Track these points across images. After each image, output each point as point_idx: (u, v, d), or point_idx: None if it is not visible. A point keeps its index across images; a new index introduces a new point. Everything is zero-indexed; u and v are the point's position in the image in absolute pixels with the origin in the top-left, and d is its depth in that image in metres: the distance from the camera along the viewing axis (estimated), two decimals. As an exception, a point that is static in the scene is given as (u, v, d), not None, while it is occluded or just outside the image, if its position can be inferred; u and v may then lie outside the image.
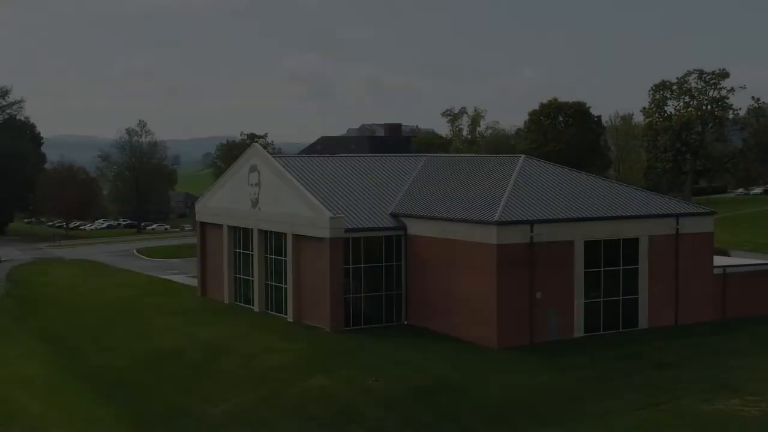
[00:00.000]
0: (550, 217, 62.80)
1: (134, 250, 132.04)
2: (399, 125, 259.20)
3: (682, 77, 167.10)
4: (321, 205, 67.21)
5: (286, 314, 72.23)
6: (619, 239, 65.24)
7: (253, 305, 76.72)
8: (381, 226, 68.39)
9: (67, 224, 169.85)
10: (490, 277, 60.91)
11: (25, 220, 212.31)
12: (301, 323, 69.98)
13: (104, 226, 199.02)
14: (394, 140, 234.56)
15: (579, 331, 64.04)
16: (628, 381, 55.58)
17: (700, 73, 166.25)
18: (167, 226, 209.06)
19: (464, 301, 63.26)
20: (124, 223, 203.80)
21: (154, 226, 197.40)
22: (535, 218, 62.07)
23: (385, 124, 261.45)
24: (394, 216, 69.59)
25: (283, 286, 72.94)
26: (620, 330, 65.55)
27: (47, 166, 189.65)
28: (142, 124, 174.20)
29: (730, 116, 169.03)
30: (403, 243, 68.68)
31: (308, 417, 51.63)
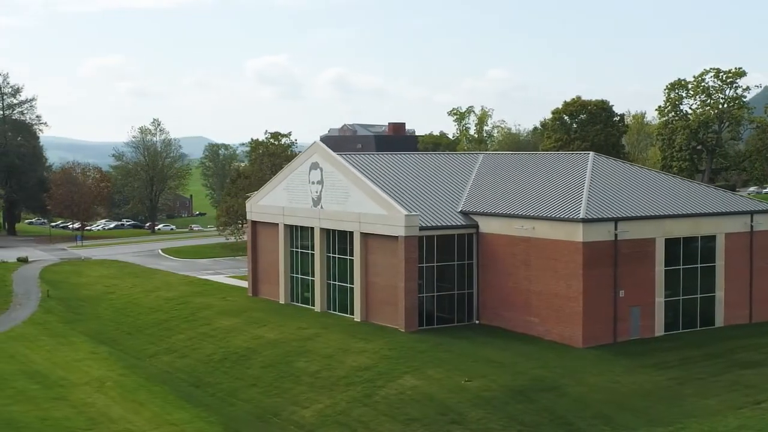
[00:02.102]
0: (633, 215, 61.99)
1: (159, 251, 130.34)
2: (403, 124, 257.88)
3: (698, 76, 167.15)
4: (395, 203, 66.15)
5: (351, 314, 71.11)
6: (697, 236, 64.60)
7: (312, 305, 75.54)
8: (454, 224, 67.35)
9: (82, 225, 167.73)
10: (575, 276, 60.05)
11: (26, 221, 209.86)
12: (370, 323, 68.86)
13: (111, 226, 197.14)
14: (399, 139, 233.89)
15: (659, 330, 63.33)
16: (720, 380, 54.80)
17: (717, 72, 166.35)
18: (173, 226, 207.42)
19: (544, 300, 62.38)
20: (128, 223, 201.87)
21: (160, 226, 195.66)
22: (618, 215, 61.23)
23: (389, 123, 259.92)
24: (465, 214, 68.60)
25: (347, 285, 71.83)
26: (697, 328, 64.89)
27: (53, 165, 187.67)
28: (157, 123, 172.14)
29: (745, 115, 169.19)
30: (474, 241, 67.72)
31: (408, 418, 50.60)
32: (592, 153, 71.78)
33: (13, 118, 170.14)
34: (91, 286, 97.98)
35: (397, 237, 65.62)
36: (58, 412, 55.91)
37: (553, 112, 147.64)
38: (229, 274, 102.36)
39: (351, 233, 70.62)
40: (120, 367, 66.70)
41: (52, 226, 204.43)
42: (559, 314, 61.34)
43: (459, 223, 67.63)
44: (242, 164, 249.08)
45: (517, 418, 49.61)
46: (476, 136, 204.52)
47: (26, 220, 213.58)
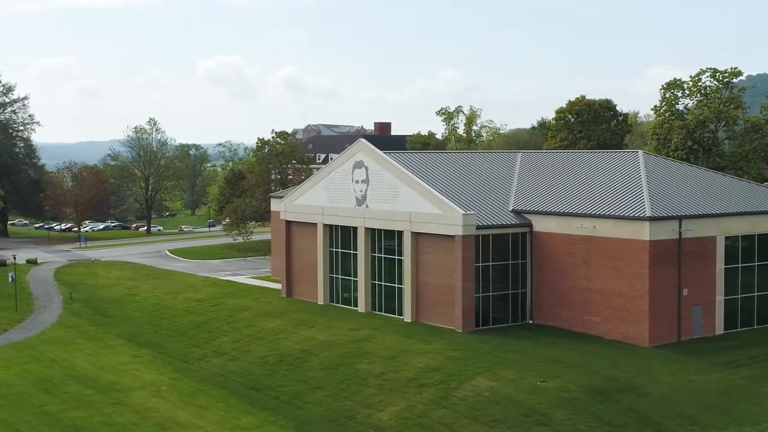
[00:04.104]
0: (696, 213, 61.67)
1: (167, 252, 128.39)
2: (389, 124, 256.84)
3: (695, 75, 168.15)
4: (451, 202, 65.30)
5: (400, 315, 70.15)
6: (754, 234, 64.42)
7: (355, 306, 74.45)
8: (507, 222, 66.65)
9: (71, 227, 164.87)
10: (640, 275, 59.58)
11: (8, 222, 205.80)
12: (422, 324, 67.93)
13: (100, 227, 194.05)
14: (387, 139, 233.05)
15: (719, 328, 63.08)
16: (795, 378, 54.70)
17: (714, 72, 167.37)
18: (161, 227, 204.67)
19: (606, 299, 61.86)
20: (113, 225, 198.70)
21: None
22: (682, 214, 60.86)
23: (375, 123, 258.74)
24: (517, 213, 67.92)
25: (395, 285, 70.87)
26: (755, 326, 64.73)
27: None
28: (153, 122, 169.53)
29: (740, 114, 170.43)
30: (528, 240, 67.06)
31: (491, 420, 49.80)
32: (640, 152, 71.49)
33: (5, 117, 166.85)
34: (111, 287, 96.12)
35: (453, 236, 64.76)
36: (121, 418, 54.45)
37: (557, 112, 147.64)
38: (250, 275, 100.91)
39: (400, 233, 69.63)
40: (169, 370, 65.22)
41: (36, 228, 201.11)
42: (622, 313, 60.84)
43: (513, 222, 66.92)
44: (226, 165, 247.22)
45: (603, 419, 48.99)
46: (465, 135, 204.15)
47: (8, 222, 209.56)
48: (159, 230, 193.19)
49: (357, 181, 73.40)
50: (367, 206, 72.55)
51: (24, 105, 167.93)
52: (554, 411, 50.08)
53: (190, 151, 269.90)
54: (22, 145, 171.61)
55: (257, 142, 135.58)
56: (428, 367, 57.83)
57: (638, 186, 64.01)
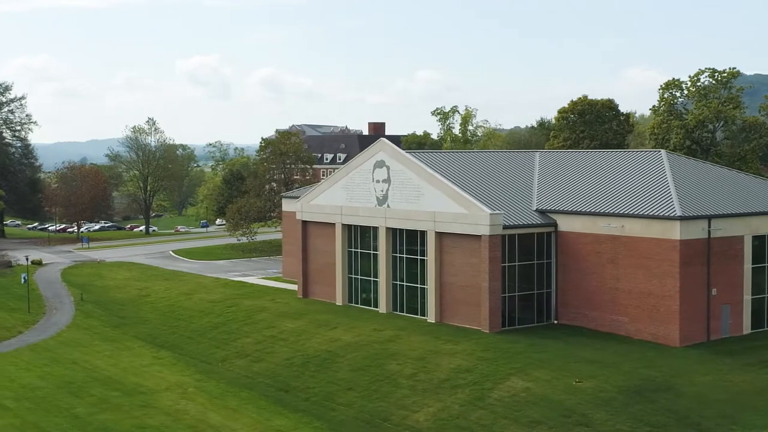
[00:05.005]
0: (725, 212, 61.55)
1: (171, 252, 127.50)
2: (383, 124, 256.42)
3: (694, 75, 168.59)
4: (477, 202, 64.96)
5: (423, 315, 69.77)
6: (781, 234, 64.40)
7: (375, 307, 74.01)
8: (533, 222, 66.39)
9: (63, 228, 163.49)
10: (670, 274, 59.41)
11: (6, 223, 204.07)
12: (447, 324, 67.56)
13: (96, 228, 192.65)
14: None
15: (747, 328, 63.04)
16: (828, 378, 54.63)
17: (713, 72, 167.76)
18: (155, 228, 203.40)
19: (635, 299, 61.64)
20: (107, 225, 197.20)
21: (141, 228, 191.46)
22: (711, 213, 60.75)
23: (369, 123, 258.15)
24: (541, 212, 67.66)
25: (417, 286, 70.48)
26: (781, 326, 64.76)
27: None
28: (152, 122, 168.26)
29: (738, 115, 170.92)
30: (553, 240, 66.83)
31: (531, 421, 49.50)
32: (663, 151, 71.40)
33: (2, 116, 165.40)
34: (122, 289, 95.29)
35: (479, 236, 64.43)
36: (152, 420, 53.86)
37: (559, 112, 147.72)
38: (259, 275, 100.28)
39: (423, 233, 69.24)
40: (193, 372, 64.64)
41: (29, 228, 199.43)
42: (652, 313, 60.65)
43: (538, 222, 66.65)
44: (216, 166, 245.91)
45: (643, 419, 48.72)
46: (461, 136, 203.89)
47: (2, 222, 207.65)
48: (154, 230, 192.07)
49: (378, 181, 72.96)
50: (388, 206, 72.11)
51: (21, 105, 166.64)
52: (593, 411, 49.78)
53: (177, 151, 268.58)
54: (19, 145, 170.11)
55: (261, 142, 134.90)
56: (460, 368, 57.46)
57: (665, 185, 63.86)
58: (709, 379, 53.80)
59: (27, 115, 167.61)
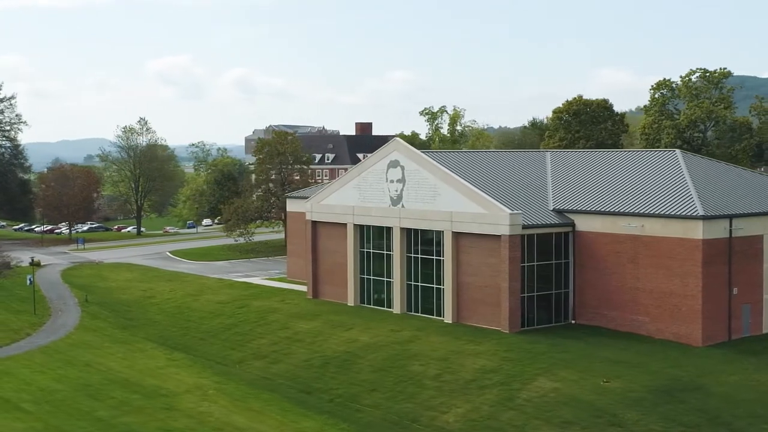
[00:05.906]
0: (744, 212, 61.67)
1: (168, 253, 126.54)
2: (370, 124, 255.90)
3: (685, 76, 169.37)
4: (496, 202, 64.74)
5: (439, 316, 69.48)
6: (798, 233, 64.58)
7: (390, 307, 73.64)
8: (551, 222, 66.26)
9: (51, 229, 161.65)
10: (692, 274, 59.43)
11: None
12: (464, 324, 67.29)
13: (85, 229, 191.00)
14: (369, 139, 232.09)
15: (766, 327, 63.18)
16: None
17: (704, 72, 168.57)
18: (144, 228, 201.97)
19: (656, 299, 61.62)
20: (95, 226, 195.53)
21: (129, 229, 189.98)
22: (733, 213, 60.82)
23: (356, 123, 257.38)
24: (558, 212, 67.54)
25: (433, 286, 70.18)
26: (798, 325, 64.94)
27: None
28: (143, 122, 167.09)
29: (729, 115, 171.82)
30: (571, 239, 66.71)
31: (563, 421, 49.31)
32: (678, 150, 71.50)
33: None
34: (125, 290, 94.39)
35: (498, 236, 64.22)
36: (177, 423, 53.16)
37: (554, 112, 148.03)
38: (262, 276, 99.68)
39: (440, 233, 68.95)
40: (210, 374, 64.00)
41: (15, 230, 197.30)
42: (673, 313, 60.65)
43: (556, 222, 66.53)
44: (198, 166, 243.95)
45: (675, 419, 48.64)
46: (449, 136, 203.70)
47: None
48: (143, 231, 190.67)
49: (392, 181, 72.60)
50: (402, 206, 71.76)
51: (11, 104, 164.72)
52: (624, 411, 49.67)
53: (157, 153, 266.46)
54: (9, 145, 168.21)
55: (257, 142, 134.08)
56: (485, 368, 57.23)
57: (683, 185, 63.90)
58: (736, 378, 53.82)
59: (17, 115, 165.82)
